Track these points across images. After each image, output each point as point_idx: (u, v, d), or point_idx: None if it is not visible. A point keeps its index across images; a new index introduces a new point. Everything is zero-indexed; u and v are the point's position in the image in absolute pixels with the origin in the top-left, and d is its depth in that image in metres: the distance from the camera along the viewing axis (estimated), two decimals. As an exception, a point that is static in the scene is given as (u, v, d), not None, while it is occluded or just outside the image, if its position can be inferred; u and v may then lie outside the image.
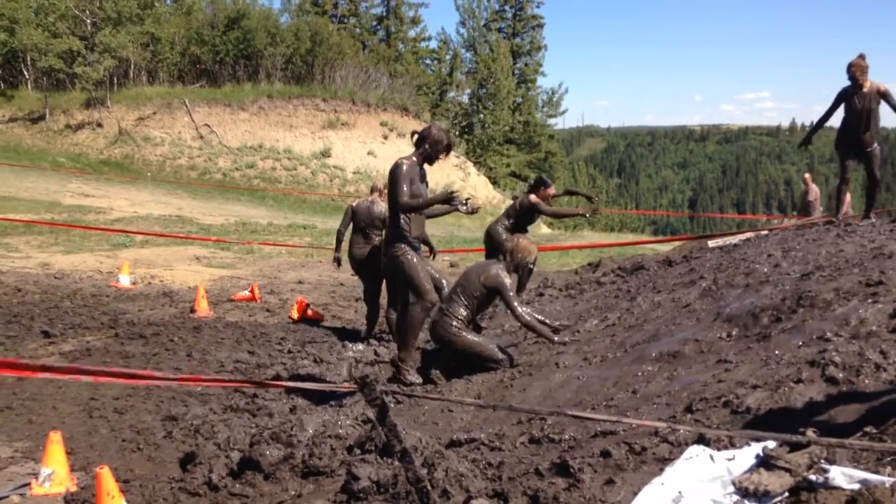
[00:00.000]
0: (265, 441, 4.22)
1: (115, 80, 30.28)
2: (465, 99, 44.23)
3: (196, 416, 5.15)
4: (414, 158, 5.53)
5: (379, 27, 45.63)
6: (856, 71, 8.21)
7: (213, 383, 5.33)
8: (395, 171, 5.41)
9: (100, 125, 28.54)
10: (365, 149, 28.96)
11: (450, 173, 30.16)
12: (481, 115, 42.85)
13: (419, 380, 5.60)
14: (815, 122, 9.09)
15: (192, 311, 8.54)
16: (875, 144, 8.36)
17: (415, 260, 5.50)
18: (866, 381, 3.24)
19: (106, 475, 3.60)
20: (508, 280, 5.89)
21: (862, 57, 8.26)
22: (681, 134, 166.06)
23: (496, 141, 42.34)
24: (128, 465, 4.39)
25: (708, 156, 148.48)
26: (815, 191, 15.83)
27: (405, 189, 5.39)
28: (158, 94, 29.29)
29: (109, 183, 22.83)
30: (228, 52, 30.88)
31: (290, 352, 7.01)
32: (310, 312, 8.71)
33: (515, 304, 5.74)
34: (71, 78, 29.83)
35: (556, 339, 5.73)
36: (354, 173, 27.59)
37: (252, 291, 9.49)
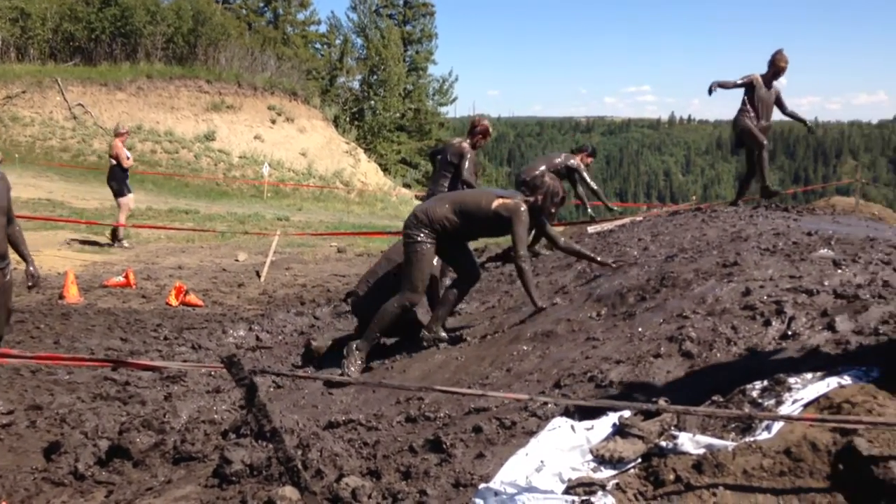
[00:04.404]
0: (135, 428, 4.11)
1: (-20, 56, 28.30)
2: (356, 85, 43.80)
3: (63, 405, 4.94)
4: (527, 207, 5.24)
5: (266, 9, 44.42)
6: (786, 68, 8.41)
7: (73, 363, 5.12)
8: (520, 216, 5.15)
9: (-38, 103, 26.61)
10: (251, 133, 28.19)
11: (340, 160, 29.86)
12: (372, 102, 42.50)
13: (358, 377, 5.26)
14: (725, 83, 8.59)
15: (61, 297, 8.14)
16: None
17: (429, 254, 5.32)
18: (718, 355, 3.46)
19: (-42, 467, 3.41)
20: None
21: None
22: (568, 125, 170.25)
23: (387, 128, 42.15)
24: (-14, 456, 4.17)
25: (593, 147, 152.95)
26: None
27: (526, 238, 5.23)
28: (28, 71, 27.47)
29: (-28, 164, 21.35)
30: (104, 29, 29.29)
31: (166, 338, 6.80)
32: (189, 298, 8.47)
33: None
34: (-72, 51, 27.69)
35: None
36: (241, 157, 26.82)
37: (127, 277, 9.13)
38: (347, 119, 38.14)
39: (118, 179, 12.33)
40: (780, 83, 8.58)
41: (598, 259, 5.66)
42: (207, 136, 27.12)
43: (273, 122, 29.21)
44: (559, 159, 8.60)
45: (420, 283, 5.31)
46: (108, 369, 5.61)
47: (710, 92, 8.57)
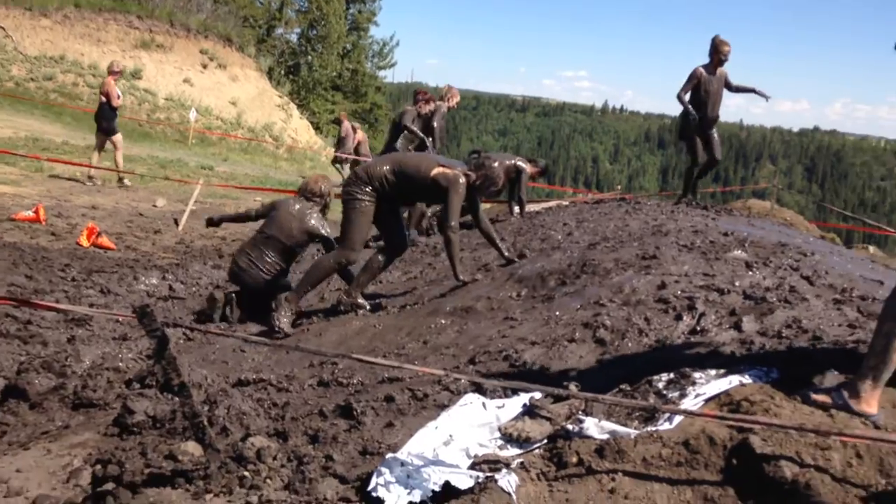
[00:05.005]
0: (34, 369, 3.95)
1: None
2: (294, 38, 42.78)
3: (-43, 341, 4.71)
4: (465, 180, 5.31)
5: (207, -52, 42.81)
6: (729, 52, 8.24)
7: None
8: (457, 187, 5.22)
9: None
10: (181, 75, 27.18)
11: (271, 113, 29.19)
12: (309, 57, 41.62)
13: (290, 330, 5.28)
14: (684, 105, 8.47)
15: (-36, 227, 7.75)
16: (715, 129, 8.63)
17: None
18: (629, 345, 3.56)
19: None
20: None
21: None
22: (504, 102, 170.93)
23: (322, 85, 41.39)
24: None
25: (527, 126, 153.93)
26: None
27: (459, 210, 5.30)
28: (-56, -15, 25.83)
29: None
30: (32, -51, 27.79)
31: (73, 280, 6.54)
32: (101, 240, 8.18)
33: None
34: None
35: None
36: (167, 100, 25.85)
37: (36, 212, 8.74)
38: (282, 72, 37.33)
39: (108, 118, 12.31)
40: (725, 69, 8.46)
41: (505, 254, 5.70)
42: (134, 73, 26.03)
43: (204, 66, 28.28)
44: (515, 160, 8.81)
45: (358, 241, 5.32)
46: (10, 306, 5.38)
47: (692, 120, 8.48)
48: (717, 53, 8.34)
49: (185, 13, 29.28)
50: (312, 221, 5.98)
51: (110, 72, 12.58)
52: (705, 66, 8.42)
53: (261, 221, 6.27)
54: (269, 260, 5.86)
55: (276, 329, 5.19)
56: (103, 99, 12.28)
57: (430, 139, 8.72)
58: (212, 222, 6.68)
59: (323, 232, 5.99)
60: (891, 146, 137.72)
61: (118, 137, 12.45)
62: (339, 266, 5.42)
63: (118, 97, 12.47)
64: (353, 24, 45.85)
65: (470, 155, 5.65)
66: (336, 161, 19.72)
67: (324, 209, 6.18)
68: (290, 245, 5.93)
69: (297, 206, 6.08)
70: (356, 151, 18.64)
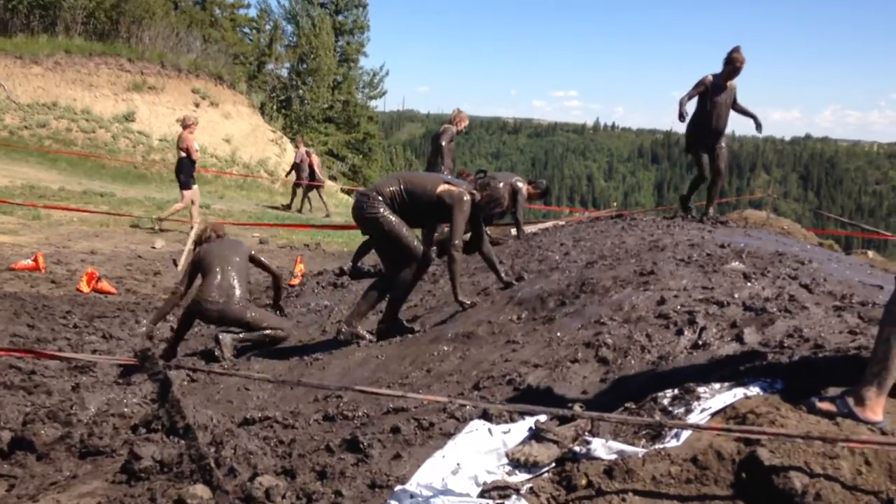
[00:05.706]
0: (40, 420, 3.95)
1: None
2: (285, 73, 43.08)
3: (-39, 394, 4.70)
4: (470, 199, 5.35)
5: (194, -11, 43.23)
6: (743, 64, 8.12)
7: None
8: (462, 205, 5.24)
9: None
10: (174, 115, 27.26)
11: (265, 148, 29.31)
12: (300, 91, 41.91)
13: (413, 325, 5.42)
14: (680, 105, 8.31)
15: (-36, 279, 7.76)
16: (723, 141, 8.46)
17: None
18: (632, 362, 3.56)
19: None
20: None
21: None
22: (496, 125, 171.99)
23: (315, 118, 41.61)
24: None
25: (520, 148, 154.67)
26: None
27: (463, 228, 5.33)
28: (-64, 38, 26.03)
29: None
30: (22, 0, 28.03)
31: (76, 326, 6.55)
32: (101, 285, 8.19)
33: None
34: None
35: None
36: (161, 140, 25.94)
37: (36, 260, 8.76)
38: (274, 107, 37.48)
39: (186, 171, 12.58)
40: (735, 83, 8.34)
41: (504, 278, 5.75)
42: (127, 116, 26.21)
43: (197, 105, 28.43)
44: (514, 179, 8.93)
45: (413, 245, 5.26)
46: (13, 357, 5.38)
47: (682, 118, 8.36)
48: (730, 64, 8.20)
49: (175, 54, 29.51)
50: (245, 246, 6.32)
51: (185, 125, 12.66)
52: (715, 76, 8.29)
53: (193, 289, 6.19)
54: (235, 284, 5.93)
55: (413, 330, 5.31)
56: (182, 154, 12.47)
57: (440, 160, 8.82)
58: (150, 337, 6.21)
59: (260, 257, 6.37)
60: (884, 150, 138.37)
61: (189, 193, 12.64)
62: (419, 275, 5.45)
63: (197, 150, 12.65)
64: (342, 56, 46.21)
65: (476, 174, 5.70)
66: (298, 186, 20.21)
67: None
68: (241, 266, 6.07)
69: (220, 241, 6.30)
70: (311, 176, 19.33)
